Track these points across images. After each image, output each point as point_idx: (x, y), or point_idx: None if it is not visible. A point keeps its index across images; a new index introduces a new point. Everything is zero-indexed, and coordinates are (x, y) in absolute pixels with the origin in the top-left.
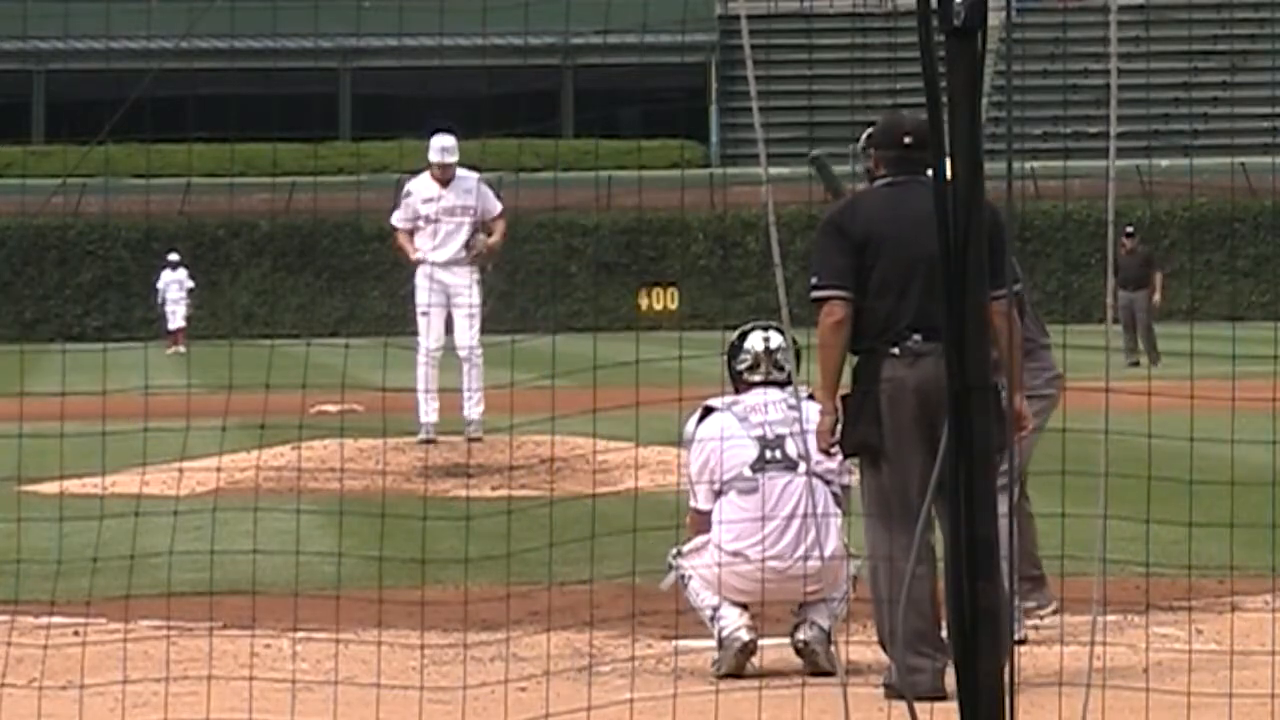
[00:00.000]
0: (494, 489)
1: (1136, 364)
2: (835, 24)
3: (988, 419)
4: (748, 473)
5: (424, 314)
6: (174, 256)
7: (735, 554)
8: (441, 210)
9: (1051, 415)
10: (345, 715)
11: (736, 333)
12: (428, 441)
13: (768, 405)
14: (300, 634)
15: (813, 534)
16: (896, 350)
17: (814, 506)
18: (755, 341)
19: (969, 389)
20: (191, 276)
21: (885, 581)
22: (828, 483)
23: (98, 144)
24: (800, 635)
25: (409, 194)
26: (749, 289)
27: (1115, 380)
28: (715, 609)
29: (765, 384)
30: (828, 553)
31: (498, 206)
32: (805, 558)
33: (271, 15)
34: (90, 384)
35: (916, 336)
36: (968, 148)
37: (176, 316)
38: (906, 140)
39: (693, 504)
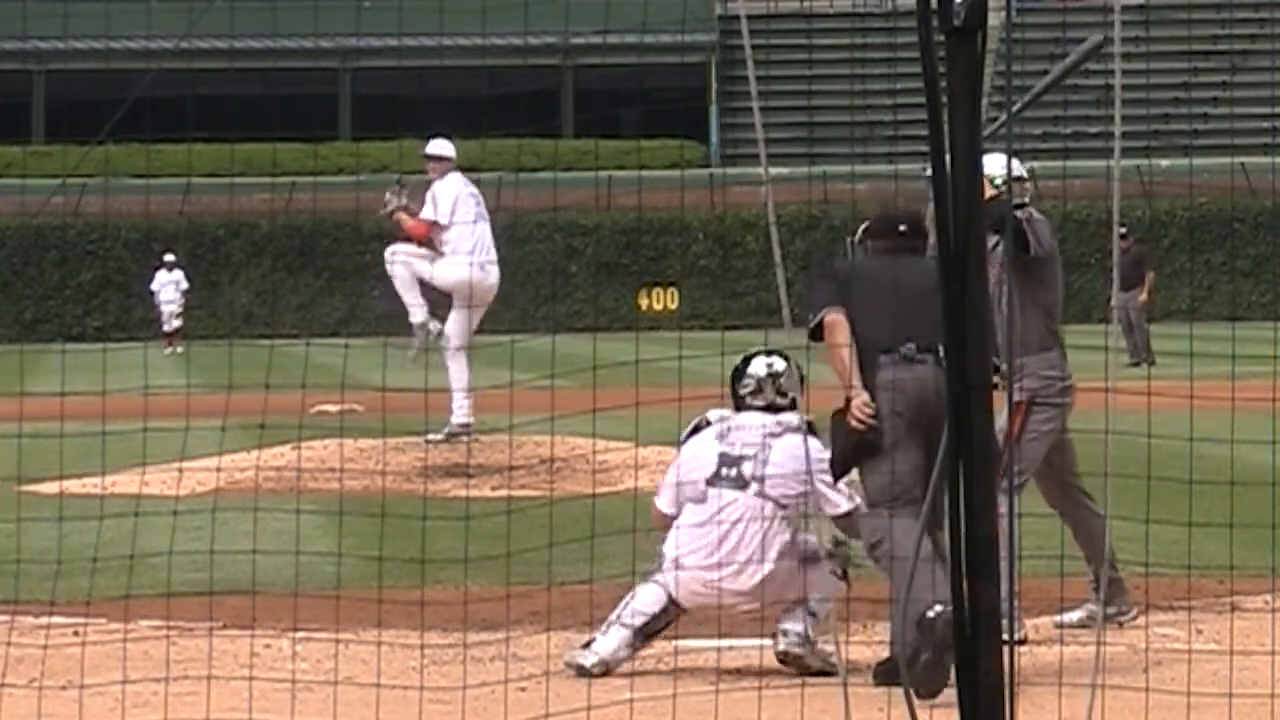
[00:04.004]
0: (494, 489)
1: (1137, 364)
2: (835, 24)
3: (988, 419)
4: (702, 485)
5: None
6: (170, 257)
7: (675, 562)
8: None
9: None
10: (345, 715)
11: (741, 357)
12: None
13: (752, 427)
14: (300, 634)
15: (751, 550)
16: (893, 356)
17: (763, 524)
18: (758, 367)
19: (969, 389)
20: (188, 277)
21: (900, 579)
22: (782, 506)
23: (98, 144)
24: (779, 646)
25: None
26: (749, 289)
27: (1115, 380)
28: (627, 604)
29: (766, 409)
30: (765, 572)
31: (429, 213)
32: (740, 573)
33: (271, 15)
34: (90, 384)
35: (910, 345)
36: (968, 148)
37: (171, 318)
38: (901, 229)
39: (655, 501)
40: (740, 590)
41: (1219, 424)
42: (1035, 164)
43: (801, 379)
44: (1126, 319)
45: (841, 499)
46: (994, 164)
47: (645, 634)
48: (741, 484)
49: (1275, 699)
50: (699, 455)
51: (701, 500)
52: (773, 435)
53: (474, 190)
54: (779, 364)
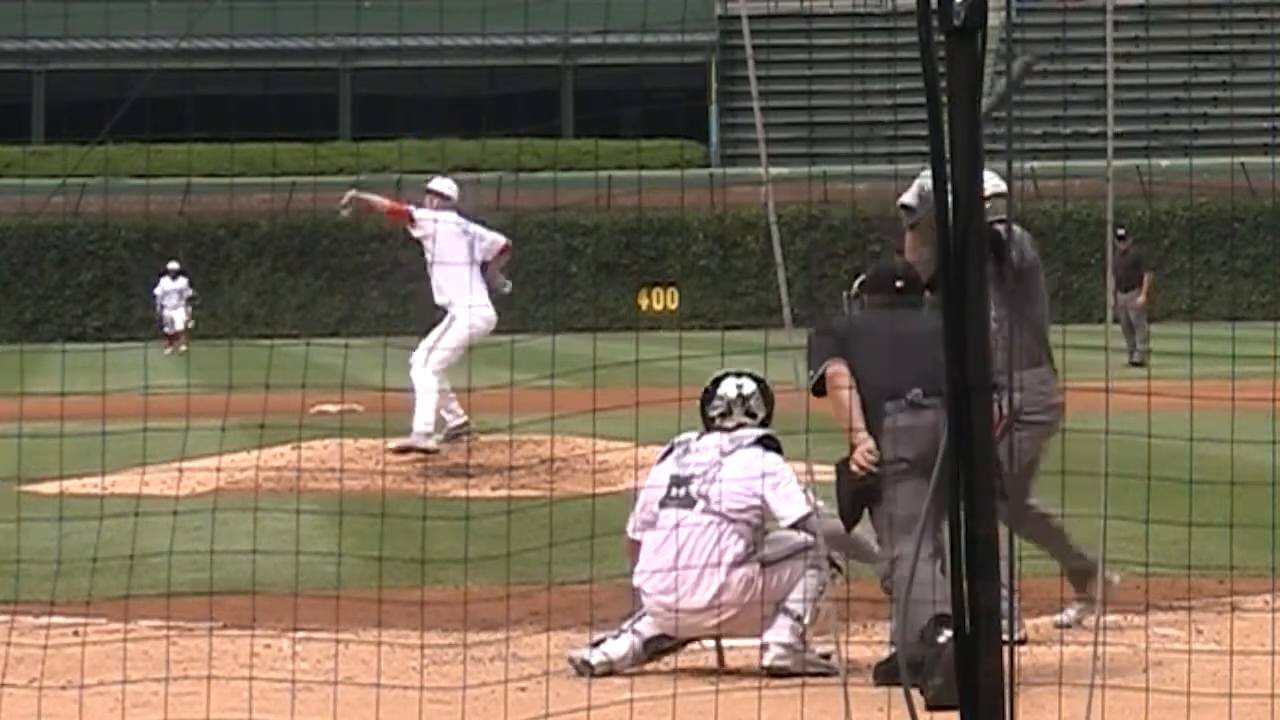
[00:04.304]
0: (494, 489)
1: (1136, 364)
2: (835, 24)
3: (987, 419)
4: (655, 508)
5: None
6: (174, 266)
7: (638, 588)
8: None
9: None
10: (345, 715)
11: (710, 379)
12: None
13: (708, 448)
14: (300, 634)
15: (702, 564)
16: (899, 403)
17: (711, 546)
18: (728, 388)
19: (969, 389)
20: (191, 285)
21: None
22: (732, 520)
23: (98, 144)
24: (764, 661)
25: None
26: (749, 289)
27: (1115, 380)
28: (643, 615)
29: (735, 430)
30: (719, 582)
31: (414, 210)
32: (694, 589)
33: (271, 15)
34: (90, 384)
35: (917, 391)
36: (968, 148)
37: (176, 322)
38: (898, 285)
39: (626, 528)
40: (699, 608)
41: (1219, 424)
42: (1035, 164)
43: (770, 400)
44: (1126, 320)
45: (793, 506)
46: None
47: (653, 648)
48: (689, 503)
49: (1275, 699)
50: (656, 479)
51: (654, 524)
52: (725, 453)
53: (469, 228)
54: (748, 386)
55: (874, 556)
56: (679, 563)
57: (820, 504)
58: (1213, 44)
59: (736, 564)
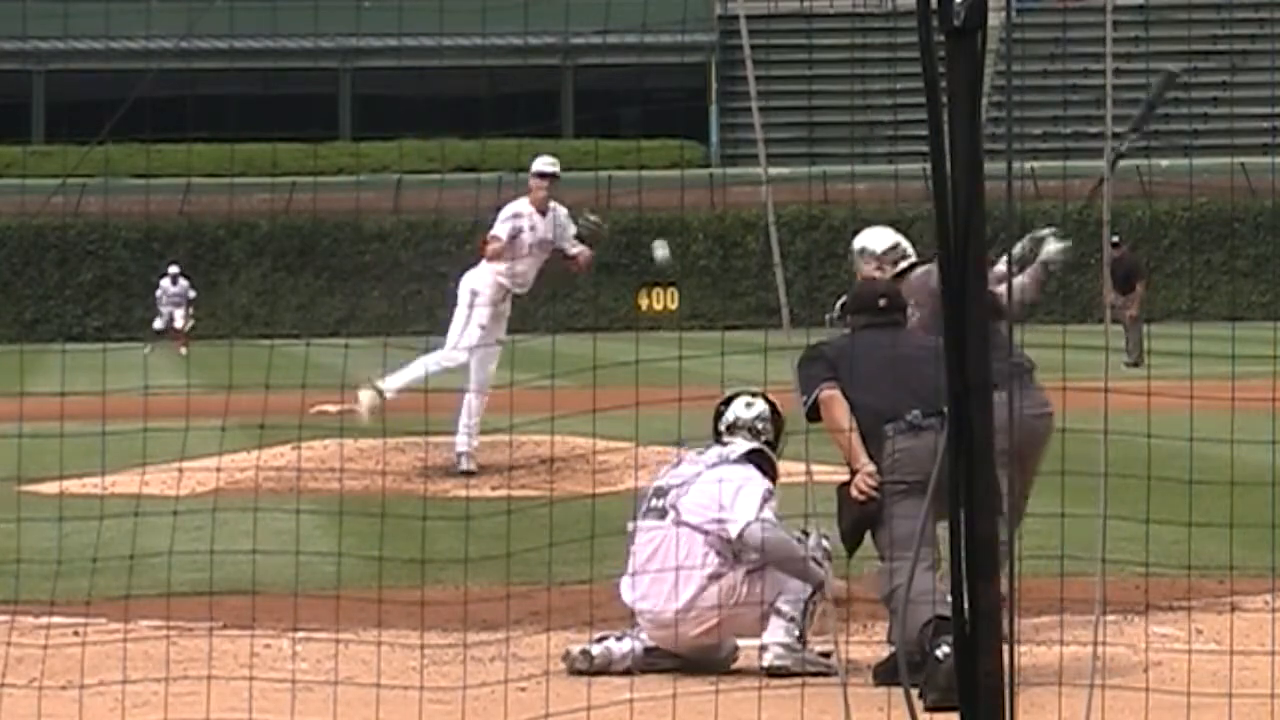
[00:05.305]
0: (494, 489)
1: (1133, 364)
2: (835, 24)
3: (987, 419)
4: (638, 520)
5: (482, 325)
6: (174, 269)
7: (629, 605)
8: (536, 242)
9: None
10: (345, 715)
11: (724, 396)
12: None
13: (694, 460)
14: (300, 634)
15: (677, 575)
16: (898, 425)
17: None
18: (738, 407)
19: (969, 389)
20: (193, 287)
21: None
22: (705, 533)
23: (98, 144)
24: (763, 662)
25: (518, 215)
26: (749, 289)
27: (1115, 380)
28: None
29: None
30: (683, 601)
31: (573, 231)
32: (675, 597)
33: (271, 15)
34: (90, 384)
35: (915, 412)
36: (968, 148)
37: (176, 319)
38: (881, 303)
39: None
40: (677, 613)
41: (1219, 424)
42: (1035, 164)
43: (781, 424)
44: (1123, 324)
45: (736, 521)
46: (878, 239)
47: (654, 656)
48: (661, 514)
49: (1275, 699)
50: (644, 492)
51: (633, 540)
52: (710, 466)
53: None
54: (759, 405)
55: (814, 576)
56: (653, 573)
57: (774, 519)
58: (1213, 44)
59: (716, 575)
